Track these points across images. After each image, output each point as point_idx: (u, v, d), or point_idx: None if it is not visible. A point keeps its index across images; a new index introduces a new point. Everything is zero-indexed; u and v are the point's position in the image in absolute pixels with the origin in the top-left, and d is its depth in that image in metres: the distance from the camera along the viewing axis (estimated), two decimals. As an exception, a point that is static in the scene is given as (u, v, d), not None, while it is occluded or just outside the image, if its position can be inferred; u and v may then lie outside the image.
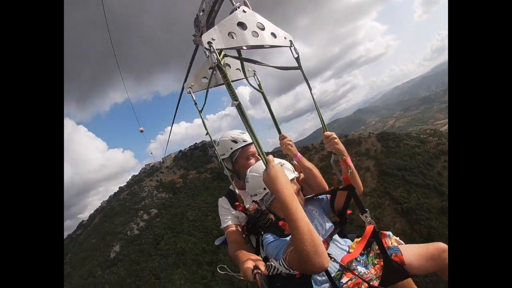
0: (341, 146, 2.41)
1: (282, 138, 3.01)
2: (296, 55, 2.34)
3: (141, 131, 23.58)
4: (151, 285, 70.06)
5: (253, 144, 2.55)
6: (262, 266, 1.96)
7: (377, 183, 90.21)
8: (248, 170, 2.60)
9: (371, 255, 2.31)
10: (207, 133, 2.92)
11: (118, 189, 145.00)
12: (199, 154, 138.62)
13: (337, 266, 2.19)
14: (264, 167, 2.03)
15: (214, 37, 1.85)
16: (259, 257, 2.13)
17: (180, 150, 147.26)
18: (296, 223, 1.70)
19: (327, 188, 2.77)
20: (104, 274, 79.64)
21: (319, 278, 2.23)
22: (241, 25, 2.01)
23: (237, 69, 3.02)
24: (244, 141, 2.97)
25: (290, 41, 2.31)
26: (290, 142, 2.93)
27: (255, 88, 3.02)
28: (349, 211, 2.54)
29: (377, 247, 2.31)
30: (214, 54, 1.82)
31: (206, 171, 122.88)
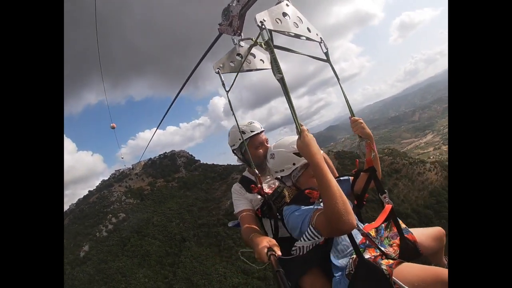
0: (368, 130, 2.50)
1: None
2: (325, 50, 2.51)
3: (113, 127, 22.36)
4: (117, 283, 77.00)
5: (261, 134, 3.20)
6: (276, 248, 2.03)
7: None
8: (272, 147, 2.72)
9: (385, 235, 2.39)
10: (233, 114, 3.09)
11: (87, 192, 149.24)
12: (167, 163, 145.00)
13: (357, 240, 2.23)
14: (290, 142, 2.48)
15: (265, 18, 2.00)
16: (273, 240, 2.21)
17: (150, 158, 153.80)
18: (328, 183, 1.76)
19: (336, 175, 2.94)
20: (73, 272, 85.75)
21: (342, 244, 2.31)
22: (285, 15, 2.17)
23: (260, 59, 3.16)
24: (252, 131, 3.10)
25: (321, 37, 2.48)
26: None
27: (278, 78, 2.74)
28: (366, 195, 2.62)
29: (389, 229, 2.42)
30: (265, 31, 1.96)
31: (173, 180, 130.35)
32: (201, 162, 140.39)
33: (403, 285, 1.84)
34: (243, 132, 3.05)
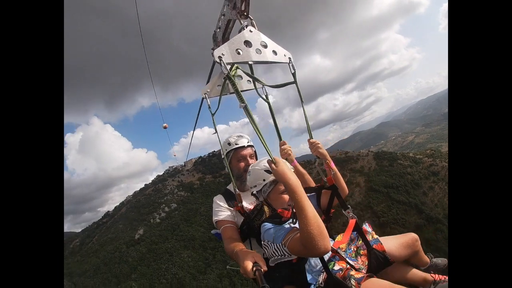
0: (324, 151, 2.65)
1: (282, 144, 3.16)
2: (293, 71, 2.54)
3: (165, 127, 22.87)
4: (165, 260, 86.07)
5: (246, 148, 3.12)
6: (262, 263, 1.99)
7: (363, 198, 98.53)
8: (251, 165, 2.70)
9: (354, 248, 2.47)
10: (215, 132, 3.05)
11: (143, 185, 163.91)
12: (216, 161, 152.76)
13: (328, 255, 2.29)
14: (265, 163, 2.48)
15: (224, 52, 2.09)
16: (258, 254, 2.13)
17: (200, 157, 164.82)
18: (304, 207, 1.78)
19: (313, 184, 2.95)
20: (128, 250, 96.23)
21: (311, 261, 2.31)
22: (247, 43, 2.22)
23: (248, 80, 3.29)
24: (236, 144, 3.07)
25: (289, 58, 2.49)
26: (289, 148, 3.09)
27: (263, 99, 3.27)
28: (332, 210, 2.67)
29: (360, 241, 2.49)
30: (223, 65, 2.05)
31: (220, 176, 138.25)
32: None
33: None
34: (229, 144, 3.08)
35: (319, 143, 2.71)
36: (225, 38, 2.86)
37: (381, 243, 2.43)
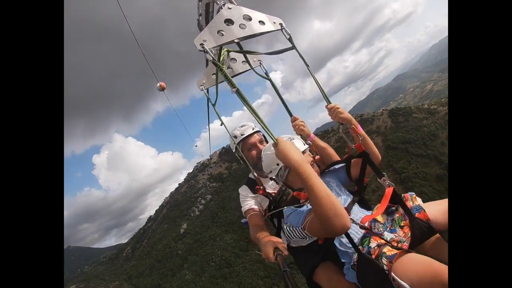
0: (346, 115, 2.39)
1: (293, 120, 3.08)
2: (288, 36, 2.37)
3: (196, 146, 23.30)
4: (210, 246, 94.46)
5: (253, 136, 3.06)
6: (283, 248, 1.99)
7: (382, 158, 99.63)
8: (262, 151, 2.66)
9: (396, 218, 2.25)
10: (222, 123, 2.95)
11: (178, 185, 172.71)
12: None
13: (362, 231, 2.16)
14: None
15: (205, 38, 1.95)
16: (279, 239, 2.14)
17: (223, 147, 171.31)
18: (312, 188, 1.66)
19: (337, 158, 2.78)
20: (177, 244, 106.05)
21: (343, 239, 2.20)
22: (228, 21, 2.09)
23: (243, 61, 3.13)
24: (242, 135, 3.03)
25: (280, 24, 2.31)
26: (302, 123, 2.97)
27: (262, 76, 3.12)
28: (365, 179, 2.49)
29: (401, 209, 2.26)
30: (208, 53, 1.90)
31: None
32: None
33: (402, 282, 1.72)
34: (235, 137, 3.03)
35: (339, 107, 2.44)
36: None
37: (424, 211, 2.18)
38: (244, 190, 3.19)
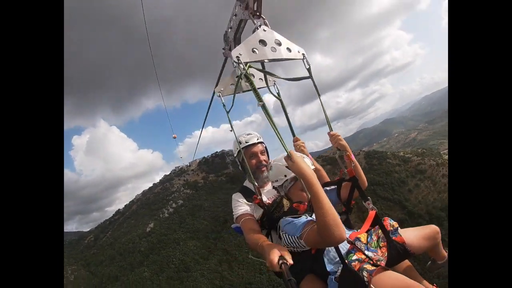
0: (344, 143, 2.59)
1: (295, 140, 3.26)
2: (308, 66, 2.54)
3: (174, 137, 23.93)
4: (173, 249, 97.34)
5: (256, 145, 3.12)
6: (288, 257, 1.95)
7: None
8: (272, 161, 2.83)
9: (375, 239, 2.41)
10: (232, 130, 3.02)
11: (152, 185, 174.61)
12: (218, 161, 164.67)
13: (347, 247, 2.29)
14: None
15: (241, 52, 2.14)
16: (284, 248, 2.08)
17: (204, 157, 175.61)
18: (320, 198, 1.82)
19: (327, 179, 2.98)
20: (141, 242, 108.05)
21: (332, 254, 2.31)
22: (262, 42, 2.25)
23: (259, 78, 3.27)
24: (246, 142, 3.10)
25: (303, 54, 2.52)
26: (303, 144, 3.17)
27: (274, 96, 3.16)
28: (352, 202, 2.68)
29: (380, 231, 2.44)
30: (241, 65, 2.09)
31: (222, 175, 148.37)
32: None
33: None
34: (240, 143, 3.09)
35: (339, 135, 2.65)
36: (237, 38, 2.87)
37: (401, 235, 2.41)
38: (238, 196, 3.10)
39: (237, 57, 2.13)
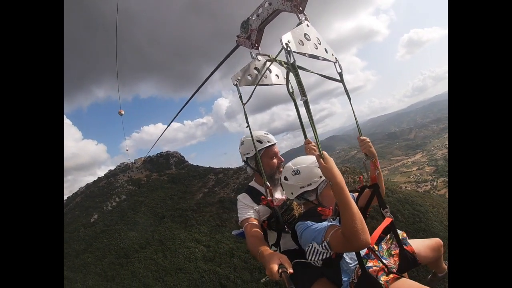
0: (373, 150, 2.55)
1: (307, 142, 3.23)
2: (339, 71, 2.51)
3: (120, 113, 21.71)
4: (114, 238, 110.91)
5: (275, 145, 3.09)
6: (288, 265, 1.96)
7: None
8: (292, 164, 2.67)
9: (385, 248, 2.48)
10: (248, 126, 2.92)
11: (97, 178, 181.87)
12: (162, 161, 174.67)
13: (362, 252, 2.33)
14: (312, 160, 2.49)
15: (290, 39, 2.03)
16: (284, 256, 2.08)
17: (149, 156, 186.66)
18: (349, 203, 1.84)
19: None
20: (85, 231, 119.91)
21: (347, 258, 2.39)
22: (306, 36, 2.19)
23: (276, 75, 3.18)
24: (268, 142, 3.07)
25: (336, 58, 2.48)
26: (314, 148, 3.09)
27: (290, 95, 3.19)
28: (369, 209, 2.65)
29: (390, 240, 2.51)
30: (291, 54, 1.97)
31: (165, 175, 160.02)
32: (189, 163, 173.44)
33: None
34: (260, 142, 3.01)
35: (369, 141, 2.62)
36: (261, 28, 2.72)
37: (411, 245, 2.46)
38: (244, 198, 3.09)
39: (286, 43, 2.01)
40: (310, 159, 2.62)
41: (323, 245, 2.05)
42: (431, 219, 74.50)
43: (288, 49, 1.98)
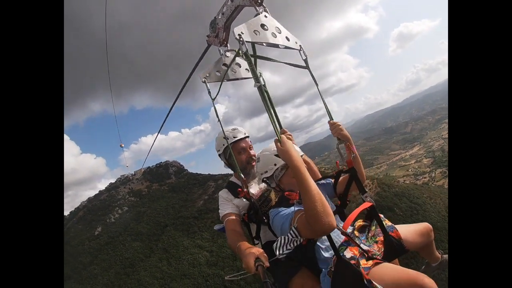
0: (346, 133, 2.48)
1: (282, 132, 2.93)
2: (304, 57, 2.49)
3: (121, 146, 22.99)
4: (119, 249, 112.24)
5: (244, 140, 3.11)
6: (264, 259, 1.95)
7: None
8: (260, 152, 2.71)
9: (370, 234, 2.34)
10: (219, 120, 2.97)
11: (98, 192, 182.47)
12: (162, 171, 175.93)
13: (341, 239, 2.25)
14: (274, 148, 2.37)
15: (243, 31, 2.03)
16: (261, 250, 2.07)
17: (148, 167, 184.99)
18: (307, 185, 1.75)
19: (319, 176, 2.92)
20: (90, 244, 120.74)
21: (322, 246, 2.28)
22: (263, 26, 2.19)
23: (246, 69, 3.16)
24: (234, 137, 3.09)
25: (300, 45, 2.46)
26: (290, 136, 2.91)
27: (258, 87, 2.85)
28: (349, 195, 2.58)
29: (374, 228, 2.36)
30: (244, 44, 1.99)
31: (165, 184, 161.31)
32: (188, 171, 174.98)
33: (378, 286, 1.79)
34: (225, 138, 3.04)
35: (340, 124, 2.55)
36: (227, 25, 2.73)
37: (397, 230, 2.33)
38: (225, 193, 3.12)
39: (239, 34, 2.01)
40: (272, 146, 2.56)
41: (291, 231, 1.97)
42: (428, 210, 74.88)
43: (241, 39, 2.02)
